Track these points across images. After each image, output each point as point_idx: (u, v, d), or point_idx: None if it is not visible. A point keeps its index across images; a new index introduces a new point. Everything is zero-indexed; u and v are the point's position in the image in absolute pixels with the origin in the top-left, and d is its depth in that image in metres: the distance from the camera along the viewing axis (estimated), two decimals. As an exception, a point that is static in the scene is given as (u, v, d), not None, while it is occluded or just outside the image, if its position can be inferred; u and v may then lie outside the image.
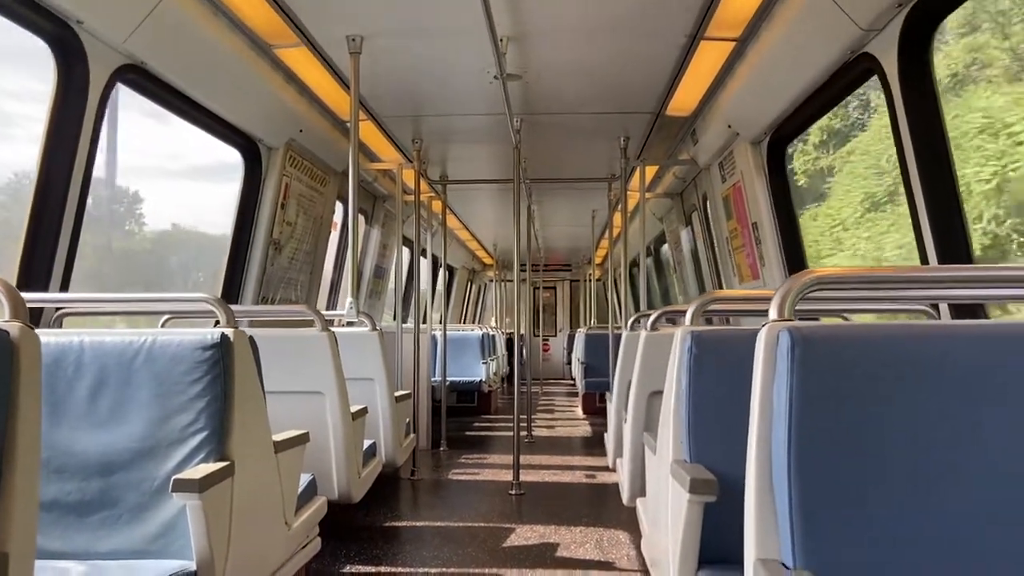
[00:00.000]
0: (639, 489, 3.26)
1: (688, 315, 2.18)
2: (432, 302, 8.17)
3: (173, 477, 1.79)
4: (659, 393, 3.34)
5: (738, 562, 1.73)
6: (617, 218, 8.18)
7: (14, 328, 1.30)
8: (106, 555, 1.93)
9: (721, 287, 5.89)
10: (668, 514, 1.97)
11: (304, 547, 2.59)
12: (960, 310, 2.58)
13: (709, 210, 5.92)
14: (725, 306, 2.52)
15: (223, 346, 2.07)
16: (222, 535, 1.91)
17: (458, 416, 9.02)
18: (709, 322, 3.02)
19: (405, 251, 8.46)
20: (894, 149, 2.91)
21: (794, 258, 4.39)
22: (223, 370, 2.06)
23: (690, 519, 1.78)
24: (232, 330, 2.12)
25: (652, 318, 3.42)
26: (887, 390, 1.24)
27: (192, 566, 1.86)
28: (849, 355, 1.26)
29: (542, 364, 15.08)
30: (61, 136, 2.88)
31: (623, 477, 3.51)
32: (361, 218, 7.27)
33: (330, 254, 6.19)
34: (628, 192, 6.26)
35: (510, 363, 13.20)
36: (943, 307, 2.63)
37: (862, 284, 1.44)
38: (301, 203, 5.18)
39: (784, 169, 4.47)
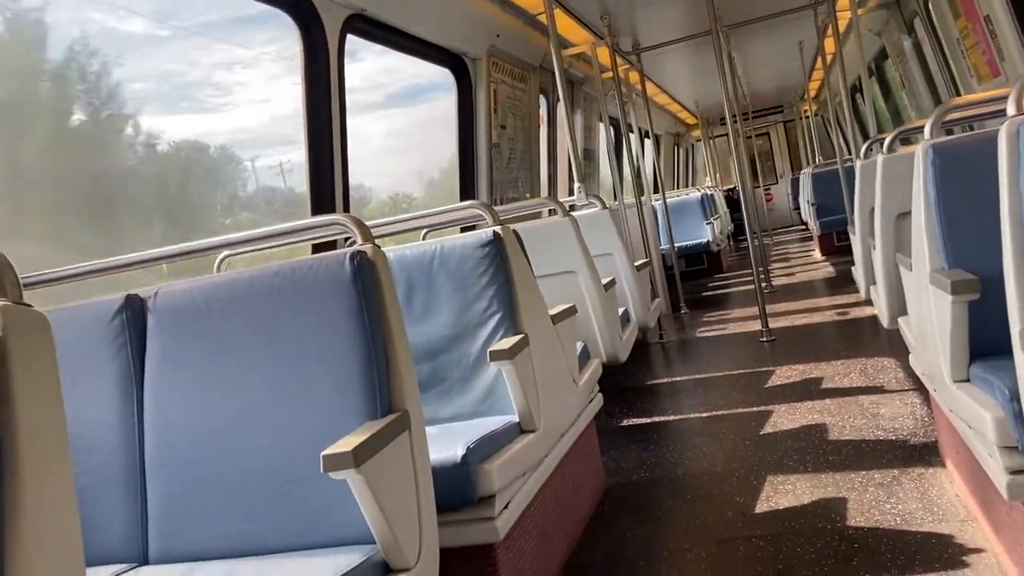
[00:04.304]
0: (898, 309, 3.28)
1: (927, 128, 2.17)
2: (644, 173, 8.27)
3: (489, 349, 2.19)
4: (905, 214, 3.28)
5: (1006, 351, 1.80)
6: (829, 44, 7.61)
7: (368, 248, 1.71)
8: (446, 420, 2.41)
9: (958, 93, 5.39)
10: (934, 321, 2.06)
11: (591, 401, 2.99)
12: None
13: (932, 12, 5.36)
14: (964, 113, 2.42)
15: (497, 242, 2.43)
16: (531, 392, 2.31)
17: (690, 280, 9.16)
18: (950, 133, 2.85)
19: (609, 130, 8.55)
20: None
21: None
22: (502, 261, 2.42)
23: (956, 319, 1.86)
24: (500, 227, 2.47)
25: (888, 140, 3.32)
26: None
27: (515, 418, 2.28)
28: None
29: (767, 215, 14.59)
30: (316, 87, 3.36)
31: (880, 300, 3.53)
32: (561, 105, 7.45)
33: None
34: (837, 12, 5.82)
35: (733, 220, 12.96)
36: None
37: None
38: (508, 105, 5.47)
39: (1017, -57, 3.95)
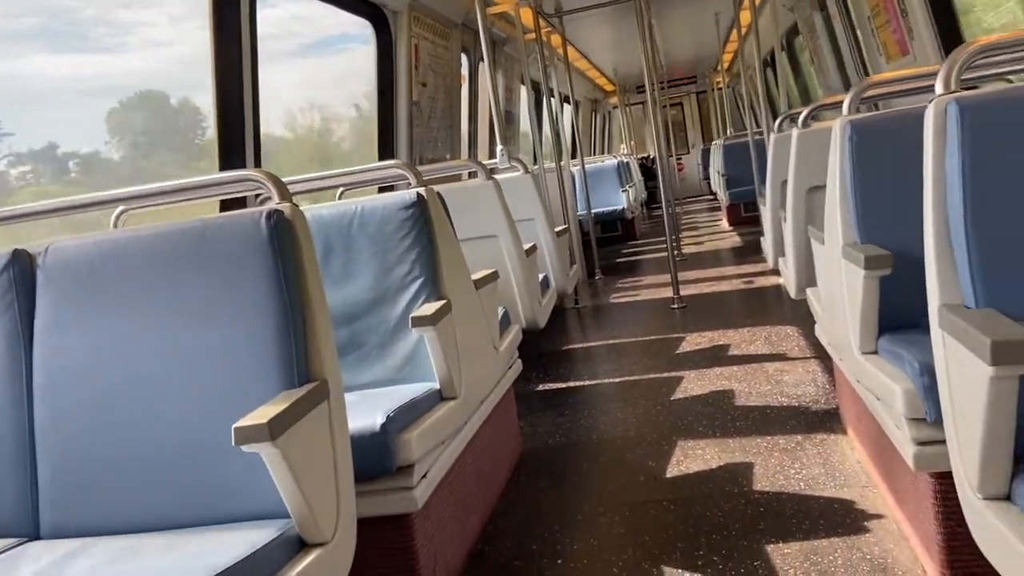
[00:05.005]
0: (806, 280, 3.40)
1: (845, 104, 2.21)
2: (564, 138, 8.27)
3: (411, 315, 2.12)
4: (817, 188, 3.38)
5: (913, 326, 1.88)
6: (745, 16, 7.73)
7: (286, 207, 1.61)
8: (363, 386, 2.34)
9: (866, 71, 5.59)
10: (844, 294, 2.12)
11: (511, 367, 2.98)
12: None
13: (847, -11, 5.51)
14: (882, 90, 2.50)
15: (421, 204, 2.35)
16: (453, 359, 2.27)
17: (605, 246, 9.28)
18: (858, 110, 2.94)
19: (531, 92, 8.48)
20: None
21: (947, 24, 4.09)
22: (425, 224, 2.35)
23: (867, 293, 1.93)
24: (424, 188, 2.39)
25: (803, 115, 3.40)
26: None
27: (436, 385, 2.23)
28: (1017, 117, 1.32)
29: (679, 183, 14.89)
30: (225, 30, 3.14)
31: (788, 271, 3.64)
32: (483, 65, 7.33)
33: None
34: None
35: (647, 188, 13.17)
36: None
37: None
38: (430, 62, 5.32)
39: (928, -75, 4.07)
